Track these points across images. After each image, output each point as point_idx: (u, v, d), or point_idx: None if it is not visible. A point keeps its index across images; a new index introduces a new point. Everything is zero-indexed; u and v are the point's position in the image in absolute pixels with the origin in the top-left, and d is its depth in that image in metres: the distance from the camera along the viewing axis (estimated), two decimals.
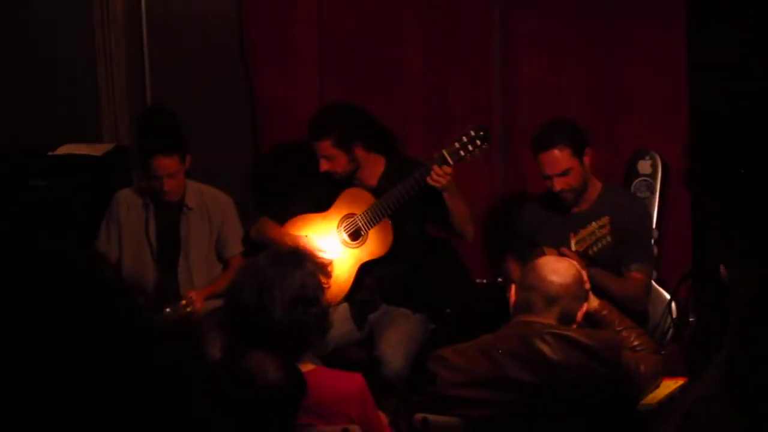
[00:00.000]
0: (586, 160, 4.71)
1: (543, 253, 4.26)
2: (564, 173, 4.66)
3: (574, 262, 3.83)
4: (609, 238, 4.48)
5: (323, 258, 4.66)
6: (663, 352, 3.90)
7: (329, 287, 3.50)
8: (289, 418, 3.00)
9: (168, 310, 4.76)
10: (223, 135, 5.79)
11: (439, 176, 4.76)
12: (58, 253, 0.89)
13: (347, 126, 4.93)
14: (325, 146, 4.91)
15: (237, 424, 2.62)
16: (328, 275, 3.49)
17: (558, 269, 3.62)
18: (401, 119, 5.49)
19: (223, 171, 5.50)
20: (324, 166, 4.94)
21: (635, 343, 3.77)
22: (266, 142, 5.81)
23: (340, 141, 4.90)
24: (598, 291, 4.48)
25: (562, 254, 4.35)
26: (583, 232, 4.51)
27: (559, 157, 4.65)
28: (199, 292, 4.94)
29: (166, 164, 4.90)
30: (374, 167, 5.03)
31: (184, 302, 4.83)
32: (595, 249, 4.48)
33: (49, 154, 5.51)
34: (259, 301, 3.28)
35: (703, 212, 1.08)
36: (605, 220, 4.49)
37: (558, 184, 4.68)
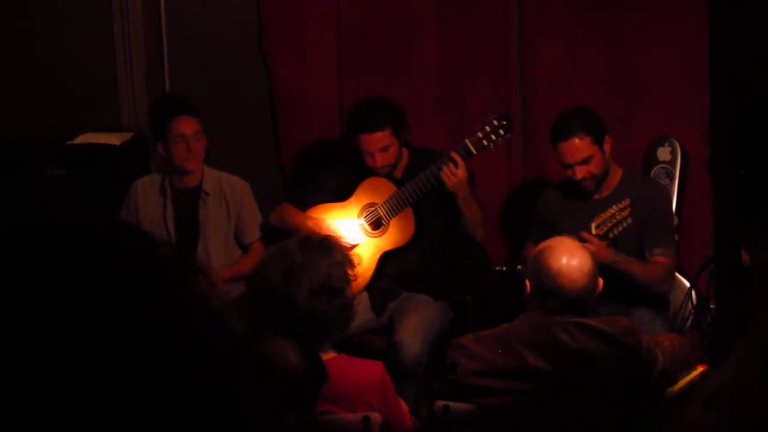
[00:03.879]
0: (606, 147, 4.69)
1: None
2: (585, 161, 4.65)
3: (585, 252, 3.71)
4: (630, 220, 4.46)
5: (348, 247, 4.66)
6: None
7: (356, 279, 3.48)
8: (308, 405, 3.00)
9: None
10: (242, 125, 5.79)
11: (451, 173, 4.73)
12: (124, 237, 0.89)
13: (400, 115, 4.91)
14: (385, 135, 4.83)
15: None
16: (354, 266, 3.46)
17: (572, 273, 3.50)
18: (420, 111, 5.47)
19: (242, 161, 5.48)
20: (379, 160, 4.86)
21: None
22: (285, 132, 5.80)
23: (396, 130, 4.86)
24: (623, 276, 4.48)
25: (582, 239, 4.33)
26: (603, 215, 4.50)
27: (579, 146, 4.63)
28: (217, 274, 4.93)
29: (191, 125, 4.94)
30: (401, 159, 5.01)
31: None
32: (615, 232, 4.48)
33: (67, 143, 5.52)
34: (284, 285, 3.26)
35: (725, 195, 1.07)
36: (626, 202, 4.48)
37: (579, 173, 4.66)
